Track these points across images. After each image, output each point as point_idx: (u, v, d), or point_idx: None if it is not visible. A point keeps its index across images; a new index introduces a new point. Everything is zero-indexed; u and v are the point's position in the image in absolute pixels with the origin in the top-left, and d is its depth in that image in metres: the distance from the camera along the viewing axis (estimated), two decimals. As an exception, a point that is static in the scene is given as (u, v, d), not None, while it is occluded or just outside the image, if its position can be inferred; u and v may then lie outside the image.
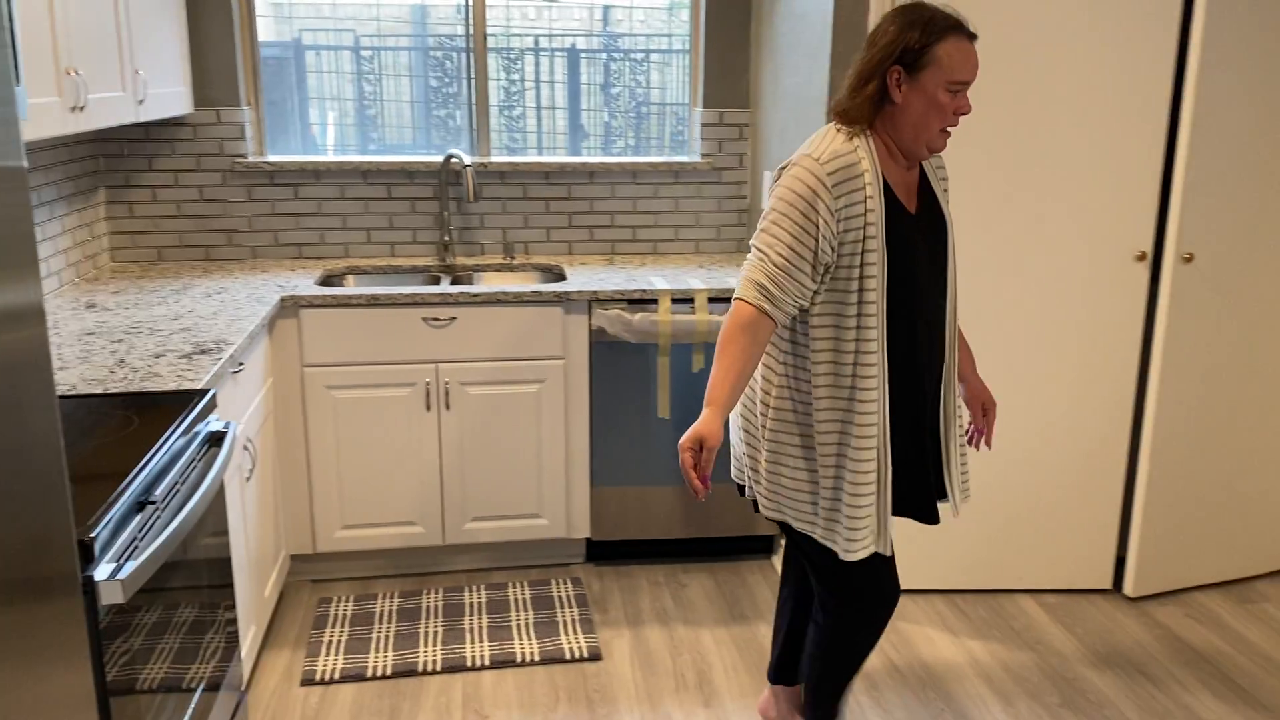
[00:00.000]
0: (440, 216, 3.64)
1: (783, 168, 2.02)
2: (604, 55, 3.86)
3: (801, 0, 3.09)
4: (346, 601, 3.15)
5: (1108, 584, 3.27)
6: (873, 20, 2.80)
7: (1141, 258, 3.01)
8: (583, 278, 3.33)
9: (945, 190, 2.17)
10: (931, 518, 2.19)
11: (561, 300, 3.14)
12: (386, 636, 2.96)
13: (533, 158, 3.74)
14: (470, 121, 3.73)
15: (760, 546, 3.51)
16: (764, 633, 3.02)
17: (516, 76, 3.84)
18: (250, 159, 3.53)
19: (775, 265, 1.94)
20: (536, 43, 3.83)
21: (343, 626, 3.01)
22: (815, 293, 1.99)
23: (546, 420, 3.22)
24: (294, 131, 3.71)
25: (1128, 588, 3.21)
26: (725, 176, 3.78)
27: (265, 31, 3.62)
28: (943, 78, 1.93)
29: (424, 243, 3.67)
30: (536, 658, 2.86)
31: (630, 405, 3.26)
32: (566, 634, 2.98)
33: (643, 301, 3.19)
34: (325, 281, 3.44)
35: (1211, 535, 3.25)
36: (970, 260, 2.99)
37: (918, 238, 2.05)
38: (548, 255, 3.74)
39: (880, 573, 2.16)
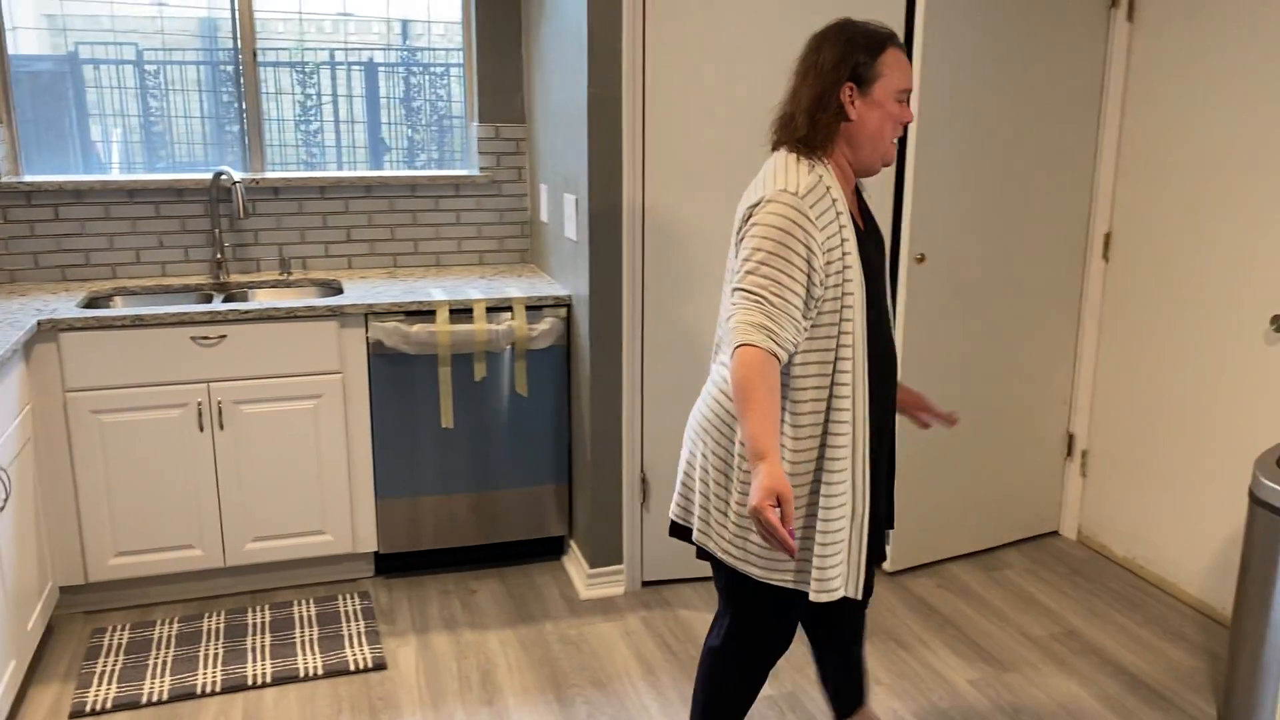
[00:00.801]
0: (212, 234, 3.59)
1: (752, 206, 1.93)
2: (403, 69, 3.89)
3: (561, 20, 3.22)
4: (122, 630, 3.06)
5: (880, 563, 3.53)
6: (627, 43, 2.95)
7: (881, 259, 3.28)
8: (360, 291, 3.35)
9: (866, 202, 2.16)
10: (881, 549, 2.14)
11: (336, 314, 3.16)
12: (164, 662, 2.90)
13: (306, 173, 3.73)
14: (243, 137, 3.69)
15: (551, 549, 3.61)
16: (550, 630, 3.12)
17: (313, 90, 3.82)
18: (3, 179, 3.38)
19: (774, 305, 1.87)
20: (333, 56, 3.82)
21: (117, 655, 2.93)
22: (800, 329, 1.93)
23: (326, 435, 3.22)
24: (72, 149, 3.57)
25: (887, 563, 3.47)
26: (505, 189, 3.87)
27: (36, 44, 3.48)
28: (891, 87, 1.96)
29: (196, 261, 3.61)
30: (320, 671, 2.87)
31: (414, 416, 3.30)
32: (351, 647, 2.99)
33: (421, 313, 3.24)
34: (90, 304, 3.34)
35: (960, 510, 3.56)
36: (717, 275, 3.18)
37: (873, 256, 2.03)
38: (327, 270, 3.74)
39: (790, 627, 2.12)
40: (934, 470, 3.46)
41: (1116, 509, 3.60)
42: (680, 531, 2.19)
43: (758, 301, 1.88)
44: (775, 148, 2.05)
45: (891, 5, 3.11)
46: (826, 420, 1.96)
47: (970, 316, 3.39)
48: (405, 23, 3.89)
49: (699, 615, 3.22)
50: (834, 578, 1.98)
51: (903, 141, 3.23)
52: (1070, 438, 3.74)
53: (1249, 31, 2.97)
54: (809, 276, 1.89)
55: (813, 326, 1.94)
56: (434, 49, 3.89)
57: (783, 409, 1.96)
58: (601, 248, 3.09)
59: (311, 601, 3.25)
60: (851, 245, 1.94)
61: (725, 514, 2.03)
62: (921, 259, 3.23)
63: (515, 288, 3.43)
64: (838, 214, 1.93)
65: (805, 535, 2.00)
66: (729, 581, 2.10)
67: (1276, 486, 2.41)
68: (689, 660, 2.96)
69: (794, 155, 1.98)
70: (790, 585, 2.01)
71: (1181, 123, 3.22)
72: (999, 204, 3.35)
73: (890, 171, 3.23)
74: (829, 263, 1.91)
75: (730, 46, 3.04)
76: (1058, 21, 3.31)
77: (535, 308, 3.33)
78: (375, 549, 3.38)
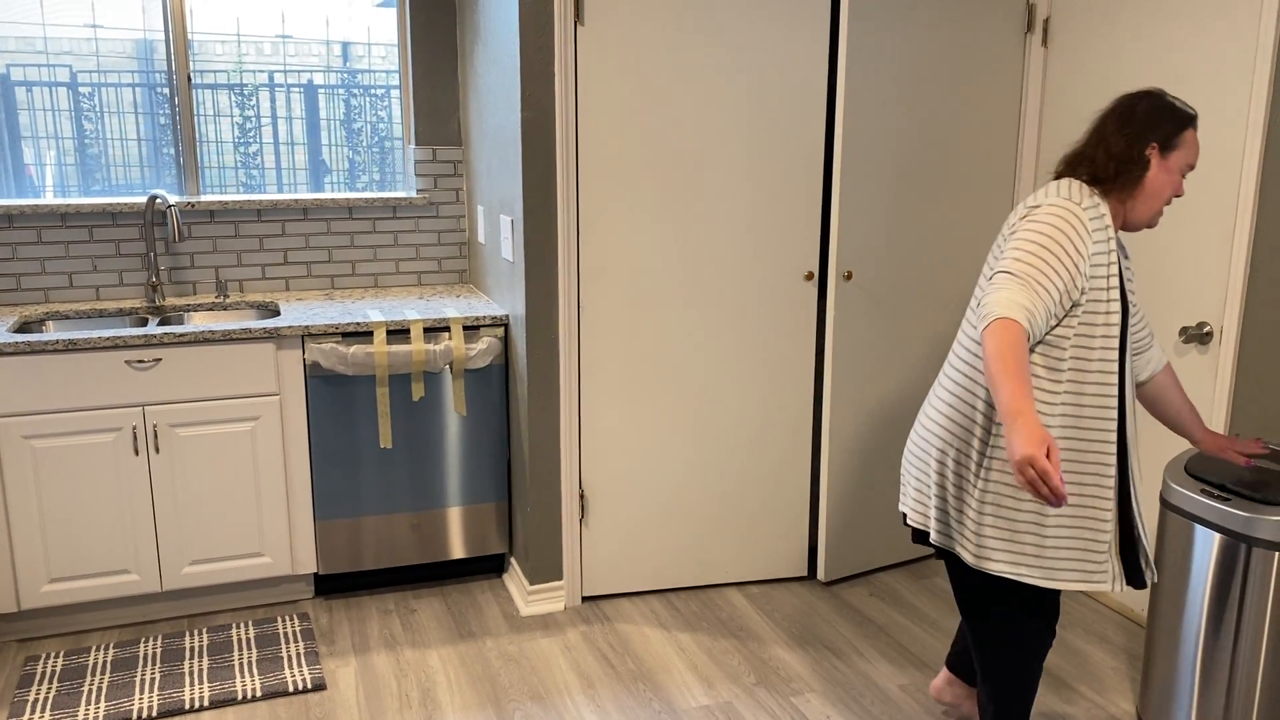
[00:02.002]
0: (147, 258, 3.58)
1: (1032, 207, 2.15)
2: (343, 91, 3.91)
3: (495, 45, 3.27)
4: (56, 657, 3.04)
5: (803, 572, 3.61)
6: (559, 67, 3.02)
7: (809, 277, 3.38)
8: (297, 313, 3.36)
9: (1129, 271, 2.30)
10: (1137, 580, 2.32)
11: (273, 336, 3.17)
12: (99, 688, 2.88)
13: (243, 196, 3.74)
14: (178, 160, 3.69)
15: (492, 566, 3.64)
16: (490, 647, 3.15)
17: (252, 113, 3.82)
18: (-69, 203, 3.35)
19: (1035, 291, 2.04)
20: (272, 78, 3.83)
21: (51, 683, 2.90)
22: (1057, 329, 2.12)
23: (264, 457, 3.23)
24: (4, 173, 3.54)
25: (820, 574, 3.55)
26: (443, 211, 3.91)
27: (-54, 69, 3.46)
28: (1185, 160, 2.19)
29: (132, 285, 3.59)
30: (258, 694, 2.87)
31: (352, 437, 3.32)
32: (290, 668, 3.00)
33: (359, 334, 3.27)
34: (22, 329, 3.31)
35: (891, 521, 3.65)
36: (665, 287, 3.25)
37: (1128, 294, 2.26)
38: (264, 293, 3.75)
39: (1048, 620, 2.32)
40: (865, 482, 3.55)
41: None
42: (921, 536, 2.37)
43: (1022, 285, 2.04)
44: (1059, 177, 2.26)
45: (814, 29, 3.21)
46: (1091, 426, 2.16)
47: (897, 331, 3.50)
48: (346, 45, 3.92)
49: (638, 629, 3.27)
50: (1103, 566, 2.20)
51: (828, 162, 3.33)
52: (997, 448, 3.85)
53: (1152, 58, 3.12)
54: (1072, 276, 2.08)
55: (1079, 333, 2.13)
56: (374, 71, 3.92)
57: (1053, 403, 2.16)
58: (537, 268, 3.15)
59: (250, 624, 3.25)
60: (1117, 270, 2.14)
61: (966, 517, 2.24)
62: (849, 276, 3.33)
63: (453, 308, 3.47)
64: (1109, 237, 2.14)
65: (1072, 534, 2.19)
66: (978, 583, 2.30)
67: (1185, 491, 2.53)
68: (628, 674, 3.01)
69: (1078, 183, 2.20)
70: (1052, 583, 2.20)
71: (1094, 144, 3.36)
72: (924, 222, 3.46)
73: (817, 192, 3.33)
74: (1094, 276, 2.11)
75: (663, 70, 3.12)
76: (977, 45, 3.44)
77: (473, 328, 3.37)
78: (315, 570, 3.38)
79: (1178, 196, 2.24)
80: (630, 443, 3.35)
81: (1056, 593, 2.31)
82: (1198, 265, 3.02)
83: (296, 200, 3.71)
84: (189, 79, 3.65)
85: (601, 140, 3.12)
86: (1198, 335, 3.01)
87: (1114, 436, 2.17)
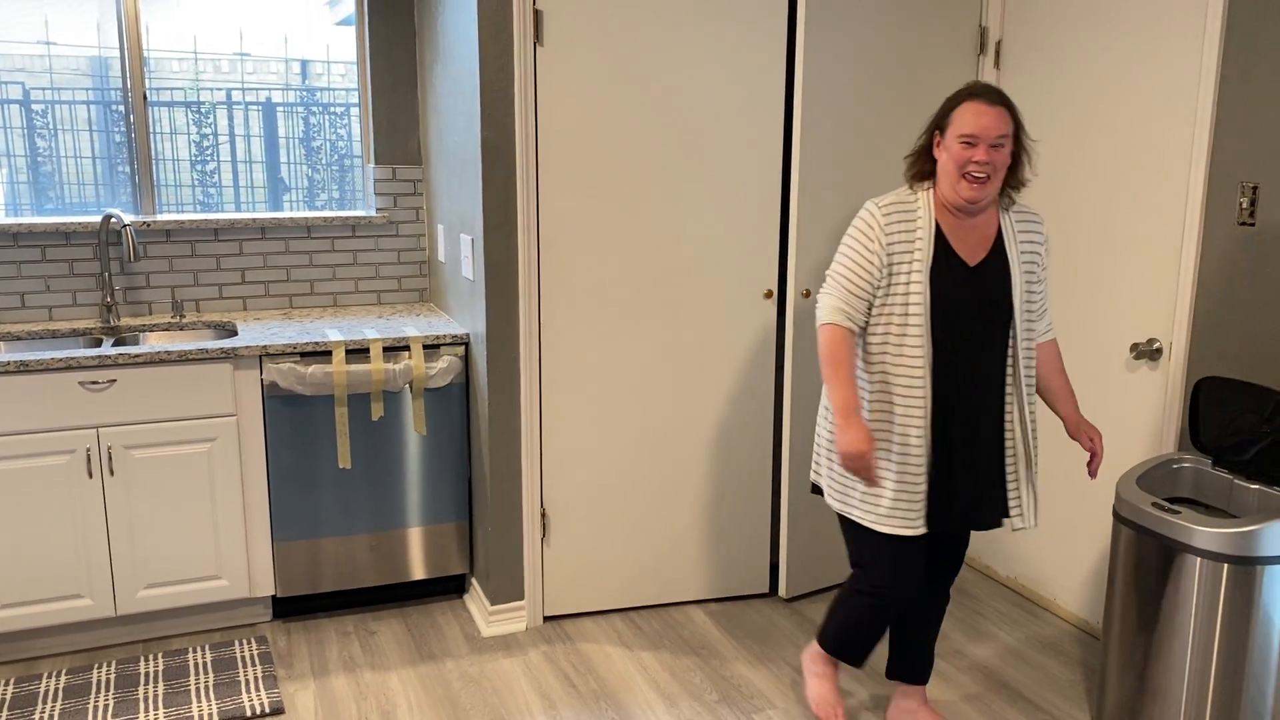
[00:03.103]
0: (101, 278, 3.53)
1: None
2: (303, 109, 3.89)
3: (454, 64, 3.28)
4: (6, 685, 2.98)
5: (765, 588, 3.63)
6: (519, 87, 3.03)
7: (769, 295, 3.40)
8: (255, 333, 3.34)
9: (1032, 250, 2.52)
10: (980, 524, 2.55)
11: (230, 356, 3.14)
12: (51, 716, 2.83)
13: (199, 215, 3.71)
14: (133, 178, 3.66)
15: (452, 587, 3.62)
16: (451, 668, 3.13)
17: (210, 131, 3.80)
18: (-122, 222, 3.29)
19: (847, 290, 2.44)
20: (230, 96, 3.81)
21: (0, 711, 2.84)
22: (871, 309, 2.46)
23: (220, 479, 3.19)
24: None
25: (781, 590, 3.57)
26: (403, 230, 3.90)
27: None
28: (955, 132, 2.38)
29: (85, 305, 3.55)
30: (215, 718, 2.83)
31: (311, 457, 3.29)
32: (248, 692, 2.96)
33: (317, 354, 3.24)
34: (-29, 349, 3.26)
35: (849, 536, 3.68)
36: (626, 305, 3.27)
37: (965, 286, 2.43)
38: (221, 313, 3.71)
39: (897, 564, 2.54)
40: (820, 500, 3.56)
41: (998, 532, 3.76)
42: (816, 488, 2.72)
43: (835, 285, 2.46)
44: None
45: (770, 55, 3.25)
46: (893, 398, 2.45)
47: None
48: (305, 63, 3.91)
49: (600, 648, 3.26)
50: (883, 514, 2.49)
51: (786, 180, 3.36)
52: (954, 463, 3.89)
53: (1100, 80, 3.19)
54: (870, 270, 2.42)
55: (878, 317, 2.45)
56: (334, 89, 3.91)
57: (861, 375, 2.51)
58: (498, 287, 3.15)
59: (207, 648, 3.20)
60: (923, 255, 2.40)
61: (830, 469, 2.60)
62: (808, 294, 3.36)
63: (413, 327, 3.46)
64: (917, 226, 2.42)
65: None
66: (841, 526, 2.64)
67: (1136, 504, 2.57)
68: (590, 694, 3.00)
69: (908, 183, 2.53)
70: (868, 523, 2.52)
71: (1041, 163, 3.42)
72: (880, 241, 3.50)
73: (775, 210, 3.36)
74: (896, 263, 2.41)
75: (622, 89, 3.14)
76: (932, 67, 3.50)
77: (433, 347, 3.36)
78: (273, 593, 3.35)
79: (977, 163, 2.35)
80: (592, 461, 3.35)
81: (906, 552, 2.53)
82: (1147, 283, 3.08)
83: (254, 219, 3.68)
84: (144, 96, 3.62)
85: (562, 159, 3.14)
86: (1148, 351, 3.06)
87: (921, 404, 2.43)
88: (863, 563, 2.60)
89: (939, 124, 2.43)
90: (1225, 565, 2.41)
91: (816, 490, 2.68)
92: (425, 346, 3.35)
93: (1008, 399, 2.52)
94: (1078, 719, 2.90)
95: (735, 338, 3.40)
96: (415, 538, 3.47)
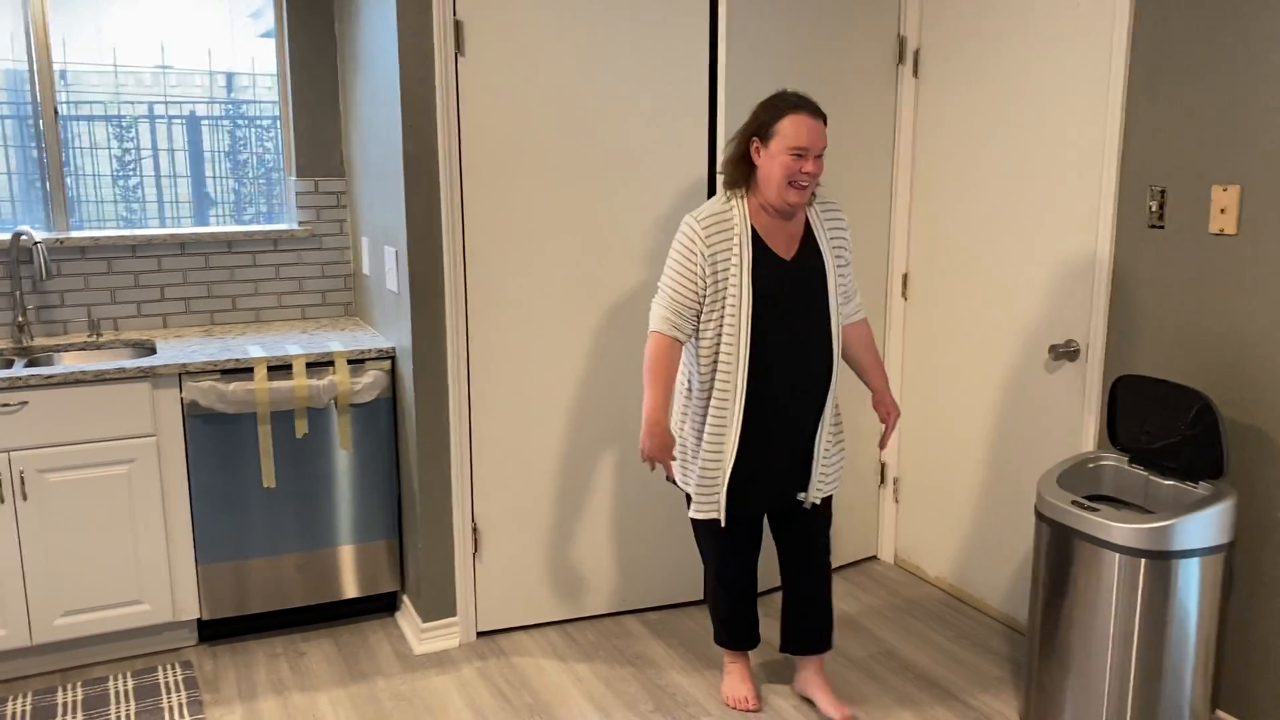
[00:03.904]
0: (13, 297, 3.43)
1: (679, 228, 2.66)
2: (228, 122, 3.82)
3: (376, 76, 3.25)
4: (-86, 722, 2.87)
5: (700, 596, 3.63)
6: (440, 98, 3.01)
7: (698, 303, 3.42)
8: (174, 350, 3.26)
9: (839, 239, 2.74)
10: (785, 499, 2.77)
11: (148, 375, 3.07)
12: (-38, 753, 2.73)
13: (115, 231, 3.62)
14: (46, 194, 3.56)
15: (384, 605, 3.57)
16: (383, 687, 3.08)
17: (131, 145, 3.70)
18: None
19: (674, 299, 2.61)
20: (152, 110, 3.72)
21: (-92, 750, 2.74)
22: (699, 316, 2.63)
23: (140, 501, 3.11)
24: None
25: (716, 597, 3.57)
26: (326, 243, 3.85)
27: None
28: (785, 145, 2.52)
29: (-4, 325, 3.44)
30: (137, 748, 2.75)
31: (235, 477, 3.22)
32: (172, 719, 2.88)
33: (239, 371, 3.18)
34: (-126, 373, 3.14)
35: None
36: (556, 314, 3.25)
37: (786, 279, 2.62)
38: (140, 331, 3.62)
39: (722, 547, 2.82)
40: (758, 504, 3.59)
41: (927, 532, 3.81)
42: None
43: (663, 296, 2.63)
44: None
45: (693, 62, 3.27)
46: (712, 391, 2.65)
47: (784, 355, 3.56)
48: (230, 75, 3.84)
49: (535, 662, 3.24)
50: (702, 504, 2.74)
51: (713, 188, 3.38)
52: (883, 467, 3.95)
53: (1016, 89, 3.26)
54: (697, 278, 2.59)
55: (705, 319, 2.62)
56: (260, 102, 3.85)
57: (694, 373, 2.70)
58: (423, 299, 3.12)
59: (129, 675, 3.12)
60: (739, 260, 2.57)
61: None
62: (736, 302, 3.38)
63: (337, 341, 3.41)
64: (734, 235, 2.58)
65: (697, 466, 2.73)
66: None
67: (1056, 502, 2.62)
68: (524, 708, 2.97)
69: (723, 191, 2.66)
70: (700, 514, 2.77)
71: (960, 169, 3.49)
72: (806, 248, 3.54)
73: (702, 219, 3.37)
74: (715, 270, 2.58)
75: (547, 98, 3.13)
76: (853, 76, 3.55)
77: (358, 361, 3.32)
78: (198, 616, 3.27)
79: (807, 173, 2.53)
80: (524, 473, 3.33)
81: (724, 532, 2.79)
82: (1063, 286, 3.15)
83: (173, 235, 3.60)
84: (55, 111, 3.52)
85: (487, 169, 3.12)
86: (1066, 352, 3.13)
87: (733, 405, 2.62)
88: (701, 550, 2.90)
89: (759, 132, 2.56)
90: (1142, 560, 2.46)
91: (672, 480, 2.84)
92: (350, 361, 3.30)
93: (830, 384, 2.71)
94: (1006, 715, 2.94)
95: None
96: (345, 556, 3.41)
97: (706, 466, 2.70)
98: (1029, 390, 3.31)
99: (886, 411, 2.89)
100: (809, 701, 2.99)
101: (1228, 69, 2.61)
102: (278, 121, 3.86)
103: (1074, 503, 2.59)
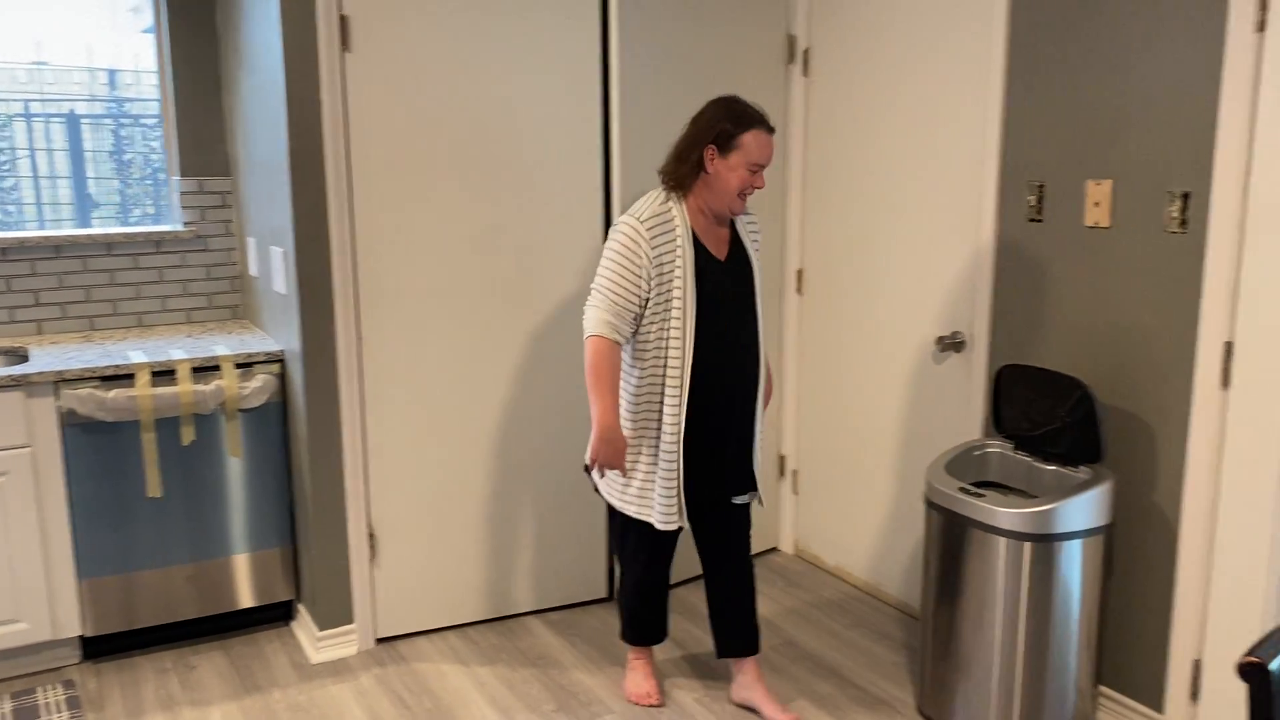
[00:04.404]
0: None
1: (616, 225, 2.59)
2: (110, 121, 3.67)
3: (260, 72, 3.16)
4: None
5: (604, 593, 3.63)
6: (326, 94, 2.94)
7: (595, 300, 3.41)
8: (49, 358, 3.13)
9: (756, 243, 2.76)
10: (726, 497, 2.77)
11: (20, 384, 2.93)
12: None
13: (-15, 234, 3.45)
14: (-94, 196, 3.38)
15: (279, 614, 3.48)
16: (278, 698, 3.01)
17: (5, 145, 3.54)
18: None
19: (613, 302, 2.55)
20: (28, 108, 3.55)
21: None
22: (639, 319, 2.59)
23: (15, 515, 2.98)
24: None
25: (618, 594, 3.57)
26: (212, 244, 3.73)
27: None
28: (745, 159, 2.55)
29: None
30: (14, 774, 2.63)
31: (118, 488, 3.10)
32: (52, 741, 2.77)
33: (119, 378, 3.07)
34: None
35: (685, 535, 3.72)
36: (452, 314, 3.21)
37: (725, 279, 2.64)
38: (12, 338, 3.47)
39: (652, 552, 2.81)
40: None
41: (825, 522, 3.88)
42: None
43: (601, 297, 2.56)
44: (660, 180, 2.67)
45: (585, 57, 3.26)
46: (662, 398, 2.63)
47: (682, 351, 3.58)
48: (112, 72, 3.70)
49: (435, 667, 3.19)
50: (671, 512, 2.68)
51: (608, 189, 3.38)
52: (782, 459, 4.00)
53: (899, 86, 3.33)
54: (639, 280, 2.55)
55: (647, 320, 2.59)
56: (146, 100, 3.70)
57: (630, 379, 2.66)
58: (312, 300, 3.05)
59: (6, 698, 2.98)
60: (684, 262, 2.57)
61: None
62: (632, 299, 3.38)
63: (224, 345, 3.31)
64: (676, 237, 2.57)
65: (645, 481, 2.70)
66: (610, 518, 2.89)
67: (945, 489, 2.69)
68: (424, 714, 2.93)
69: (657, 192, 2.63)
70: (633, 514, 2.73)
71: (851, 166, 3.56)
72: (701, 244, 3.56)
73: (598, 215, 3.37)
74: (660, 272, 2.56)
75: (438, 93, 3.09)
76: (745, 75, 3.58)
77: (246, 365, 3.23)
78: (80, 633, 3.14)
79: (757, 188, 2.60)
80: (421, 476, 3.28)
81: (659, 536, 2.80)
82: (949, 279, 3.23)
83: (47, 237, 3.45)
84: (-85, 108, 3.35)
85: (377, 166, 3.06)
86: (953, 344, 3.22)
87: (679, 408, 2.61)
88: (623, 552, 2.87)
89: (718, 141, 2.55)
90: (1026, 543, 2.54)
91: (588, 470, 2.78)
92: (238, 365, 3.21)
93: (760, 379, 2.75)
94: (901, 699, 3.01)
95: (564, 344, 3.39)
96: (237, 565, 3.32)
97: (659, 469, 2.67)
98: (920, 382, 3.39)
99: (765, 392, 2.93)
100: (750, 709, 2.92)
101: (1101, 67, 2.71)
102: (163, 120, 3.74)
103: (961, 489, 2.66)
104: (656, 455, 2.67)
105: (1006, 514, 2.54)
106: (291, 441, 3.30)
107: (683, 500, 2.69)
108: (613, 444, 2.60)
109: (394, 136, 3.06)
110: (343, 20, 2.95)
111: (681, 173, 2.60)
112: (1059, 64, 2.81)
